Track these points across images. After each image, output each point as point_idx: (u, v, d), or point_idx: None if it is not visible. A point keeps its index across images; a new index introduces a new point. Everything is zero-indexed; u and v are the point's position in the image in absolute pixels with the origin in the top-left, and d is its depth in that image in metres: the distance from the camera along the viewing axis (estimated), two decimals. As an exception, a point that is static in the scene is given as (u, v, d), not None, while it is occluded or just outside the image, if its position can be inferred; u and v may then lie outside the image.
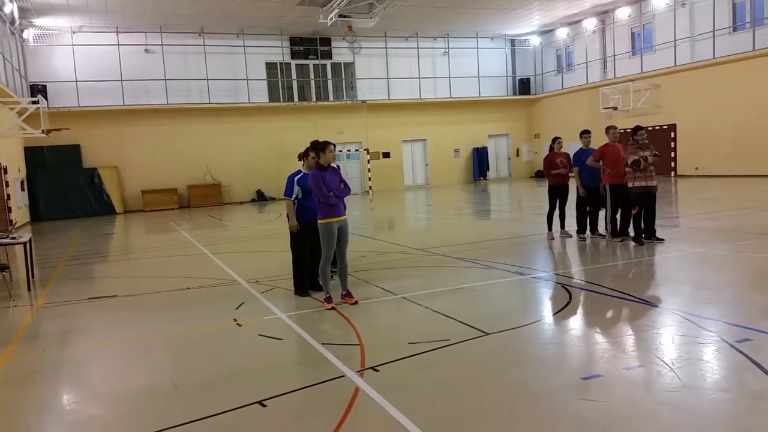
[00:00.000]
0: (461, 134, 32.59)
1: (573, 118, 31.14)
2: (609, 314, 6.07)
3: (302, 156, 7.47)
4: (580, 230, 10.82)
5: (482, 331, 5.51)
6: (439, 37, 31.54)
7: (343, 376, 4.61)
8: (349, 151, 29.02)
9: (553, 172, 10.80)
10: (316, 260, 7.92)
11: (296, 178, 7.22)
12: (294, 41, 28.91)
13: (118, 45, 25.62)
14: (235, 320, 6.57)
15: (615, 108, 28.39)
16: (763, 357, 4.45)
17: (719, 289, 6.87)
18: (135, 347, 5.94)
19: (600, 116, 28.55)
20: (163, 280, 9.25)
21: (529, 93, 34.37)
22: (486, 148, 33.23)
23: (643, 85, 27.15)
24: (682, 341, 4.99)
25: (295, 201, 7.28)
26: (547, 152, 11.53)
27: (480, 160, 32.78)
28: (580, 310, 6.21)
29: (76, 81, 25.04)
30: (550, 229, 11.04)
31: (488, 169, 33.15)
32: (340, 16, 23.97)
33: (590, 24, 30.07)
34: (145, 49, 26.14)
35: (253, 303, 7.33)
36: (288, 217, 7.41)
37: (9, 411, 4.46)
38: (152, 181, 26.23)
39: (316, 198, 6.62)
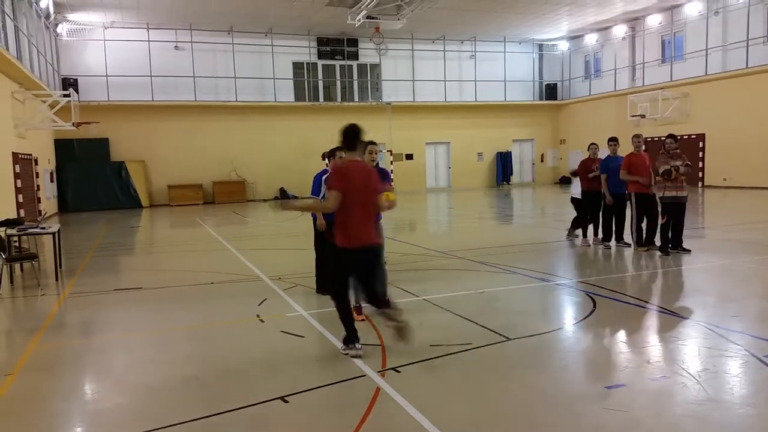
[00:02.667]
0: (485, 138, 32.45)
1: (600, 124, 30.82)
2: (633, 324, 5.99)
3: (328, 155, 7.50)
4: (606, 238, 10.71)
5: (504, 336, 5.49)
6: (466, 41, 31.46)
7: (365, 375, 4.63)
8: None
9: (590, 176, 10.74)
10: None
11: (324, 178, 7.25)
12: (321, 41, 29.06)
13: (149, 41, 26.00)
14: (257, 316, 6.63)
15: (643, 116, 28.05)
16: (792, 373, 4.38)
17: (745, 302, 6.75)
18: (159, 339, 6.03)
19: (628, 124, 28.23)
20: (187, 274, 9.36)
21: (555, 98, 34.10)
22: (510, 152, 33.03)
23: (672, 94, 26.77)
24: (707, 354, 4.91)
25: (322, 200, 7.31)
26: (580, 158, 11.51)
27: (504, 165, 32.59)
28: (604, 319, 6.14)
29: (107, 75, 25.45)
30: (585, 236, 10.97)
31: (512, 173, 32.93)
32: (368, 17, 24.03)
33: (620, 30, 29.72)
34: (175, 46, 26.49)
35: (276, 300, 7.38)
36: (314, 215, 7.43)
37: (35, 398, 4.55)
38: (178, 176, 26.56)
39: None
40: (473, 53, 31.93)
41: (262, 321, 6.44)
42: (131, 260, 12.08)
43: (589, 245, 10.86)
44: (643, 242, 10.13)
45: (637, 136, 10.36)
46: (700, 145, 25.75)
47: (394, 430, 3.81)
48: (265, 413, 4.06)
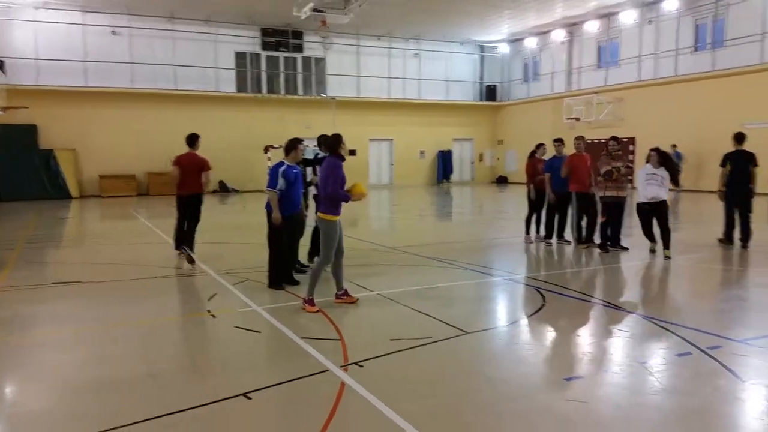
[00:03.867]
0: (427, 136, 32.78)
1: (537, 126, 31.70)
2: (582, 318, 6.20)
3: (288, 148, 7.38)
4: (548, 235, 11.03)
5: (462, 330, 5.56)
6: (410, 39, 31.66)
7: (327, 370, 4.58)
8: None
9: (537, 178, 11.00)
10: (293, 254, 7.88)
11: (281, 170, 7.13)
12: (266, 32, 28.55)
13: (83, 24, 24.82)
14: (208, 311, 6.45)
15: (578, 119, 29.05)
16: (735, 363, 4.63)
17: (682, 297, 7.11)
18: (105, 335, 5.76)
19: (563, 126, 29.15)
20: (128, 268, 9.00)
21: (495, 99, 34.84)
22: (451, 151, 33.53)
23: (607, 98, 27.84)
24: (655, 346, 5.14)
25: (278, 193, 7.18)
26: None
27: (444, 163, 33.05)
28: (554, 313, 6.31)
29: (37, 59, 24.14)
30: (528, 233, 11.23)
31: (452, 172, 33.44)
32: (314, 10, 23.78)
33: (558, 35, 30.64)
34: (112, 31, 25.38)
35: (226, 294, 7.20)
36: (268, 208, 7.29)
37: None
38: (111, 166, 25.48)
39: (326, 190, 6.25)
40: (417, 51, 32.18)
41: (214, 316, 6.27)
42: (66, 253, 11.51)
43: (532, 242, 11.15)
44: (583, 240, 10.50)
45: (578, 138, 10.75)
46: (631, 148, 26.90)
47: (361, 424, 3.80)
48: (228, 411, 3.94)
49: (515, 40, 33.37)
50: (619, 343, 5.36)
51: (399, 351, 5.02)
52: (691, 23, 24.72)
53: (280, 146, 28.07)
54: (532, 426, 3.70)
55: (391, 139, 32.22)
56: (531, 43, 32.48)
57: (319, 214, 6.39)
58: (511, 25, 30.08)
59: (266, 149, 26.20)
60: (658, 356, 4.87)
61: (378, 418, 3.78)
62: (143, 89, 25.92)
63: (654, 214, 9.42)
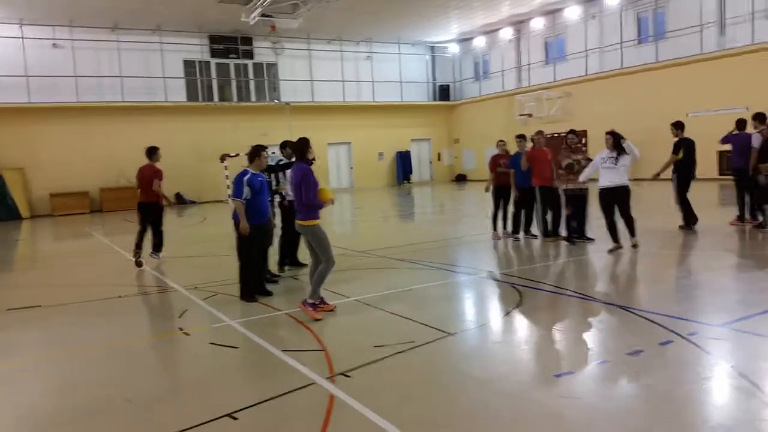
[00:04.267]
0: (385, 138, 32.81)
1: (490, 124, 32.14)
2: (562, 312, 6.22)
3: (252, 155, 7.20)
4: (515, 230, 11.11)
5: (444, 332, 5.50)
6: (361, 41, 31.62)
7: (314, 383, 4.44)
8: (273, 153, 28.43)
9: (498, 170, 11.05)
10: (263, 264, 7.69)
11: (245, 178, 6.94)
12: (214, 39, 28.06)
13: (22, 38, 23.86)
14: (180, 329, 6.22)
15: (530, 115, 29.54)
16: (717, 348, 4.71)
17: (654, 285, 7.23)
18: (72, 360, 5.44)
19: (516, 123, 29.59)
20: (89, 289, 8.64)
21: (448, 99, 35.13)
22: (409, 152, 33.64)
23: (556, 93, 28.38)
24: (637, 336, 5.18)
25: (244, 202, 6.99)
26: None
27: (404, 164, 33.14)
28: (533, 309, 6.31)
29: (-27, 75, 23.11)
30: (495, 229, 11.27)
31: (411, 172, 33.56)
32: (263, 15, 23.49)
33: (506, 33, 31.11)
34: (53, 44, 24.50)
35: (197, 310, 6.97)
36: (236, 218, 7.10)
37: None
38: (62, 183, 24.59)
39: (302, 197, 6.09)
40: (369, 54, 32.16)
41: (187, 334, 6.04)
42: (21, 276, 10.98)
43: (500, 238, 11.21)
44: (549, 233, 10.62)
45: (538, 133, 10.92)
46: (583, 141, 27.46)
47: (357, 437, 3.68)
48: (215, 432, 3.78)
49: (465, 40, 33.72)
50: (601, 335, 5.39)
51: (385, 358, 4.92)
52: (633, 17, 25.45)
53: (237, 155, 27.70)
54: (529, 425, 3.66)
55: (349, 143, 32.11)
56: (480, 42, 32.88)
57: (299, 222, 6.22)
58: (460, 24, 30.39)
59: (223, 158, 25.75)
60: (642, 346, 4.91)
61: (370, 427, 3.67)
62: (90, 103, 25.11)
63: (614, 201, 9.29)
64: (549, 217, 10.67)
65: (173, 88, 27.25)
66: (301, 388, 4.38)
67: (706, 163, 21.15)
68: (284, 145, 9.30)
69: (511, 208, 11.19)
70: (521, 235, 11.07)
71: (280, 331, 5.97)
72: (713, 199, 17.06)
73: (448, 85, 35.15)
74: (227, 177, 24.27)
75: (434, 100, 35.02)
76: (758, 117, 10.63)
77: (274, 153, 9.37)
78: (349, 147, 32.24)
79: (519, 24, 30.41)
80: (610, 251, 9.15)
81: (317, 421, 3.80)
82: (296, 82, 30.08)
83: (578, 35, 27.53)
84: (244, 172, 7.08)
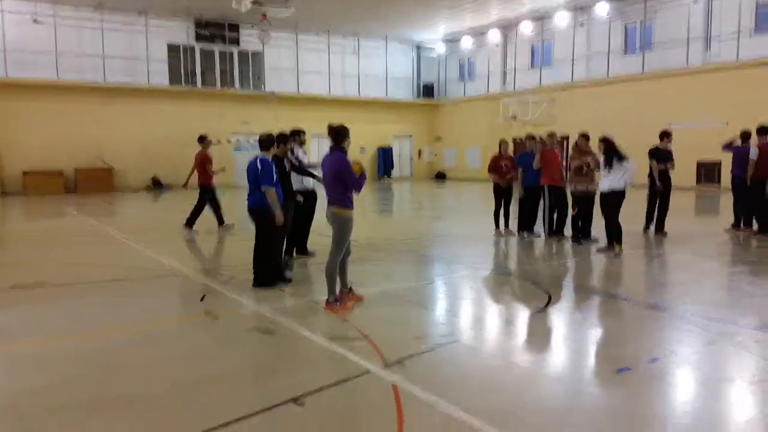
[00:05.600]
0: (367, 133, 32.60)
1: (473, 124, 32.35)
2: (597, 310, 6.22)
3: (268, 144, 7.01)
4: (520, 229, 11.13)
5: (481, 325, 5.45)
6: (349, 36, 31.41)
7: (369, 372, 4.34)
8: (249, 142, 28.06)
9: (508, 176, 11.07)
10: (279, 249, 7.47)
11: (272, 165, 6.78)
12: (200, 24, 27.49)
13: (1, 11, 22.96)
14: (208, 313, 6.03)
15: (515, 117, 29.76)
16: (763, 349, 4.78)
17: (682, 285, 7.28)
18: (102, 344, 5.17)
19: (499, 125, 29.81)
20: (94, 269, 8.32)
21: (432, 97, 35.20)
22: (391, 147, 33.60)
23: (541, 98, 28.66)
24: (680, 334, 5.21)
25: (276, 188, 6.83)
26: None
27: (385, 159, 33.10)
28: (565, 307, 6.26)
29: (-53, 46, 22.17)
30: (498, 227, 11.29)
31: (392, 168, 33.57)
32: (255, 2, 23.12)
33: (494, 36, 31.28)
34: (34, 19, 23.63)
35: (217, 295, 6.77)
36: (256, 207, 6.91)
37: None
38: (36, 162, 23.77)
39: (344, 185, 5.89)
40: (356, 48, 31.98)
41: (215, 318, 5.86)
42: (16, 253, 10.45)
43: (503, 235, 11.23)
44: (554, 232, 10.70)
45: (551, 135, 10.99)
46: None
47: (436, 427, 3.57)
48: (284, 418, 3.64)
49: (451, 40, 33.80)
50: (640, 331, 5.37)
51: (433, 349, 4.84)
52: (621, 27, 25.87)
53: (219, 142, 27.02)
54: (600, 423, 3.64)
55: (331, 136, 31.83)
56: (467, 43, 32.98)
57: (336, 211, 5.95)
58: (448, 24, 30.45)
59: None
60: (687, 344, 4.94)
61: (446, 419, 3.59)
62: (69, 81, 24.32)
63: (604, 205, 9.33)
64: (555, 216, 10.75)
65: (156, 71, 26.61)
66: (357, 376, 4.27)
67: (686, 173, 21.71)
68: (297, 133, 9.13)
69: (512, 207, 11.26)
70: (525, 233, 11.11)
71: (313, 318, 5.82)
72: (698, 207, 17.47)
73: (432, 84, 35.22)
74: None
75: (418, 97, 35.04)
76: (762, 130, 10.91)
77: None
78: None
79: (507, 27, 30.60)
80: (599, 251, 9.33)
81: (387, 410, 3.69)
82: (282, 72, 29.71)
83: (566, 42, 27.84)
84: (265, 159, 6.89)
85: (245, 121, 27.74)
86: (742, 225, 11.24)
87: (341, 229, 5.98)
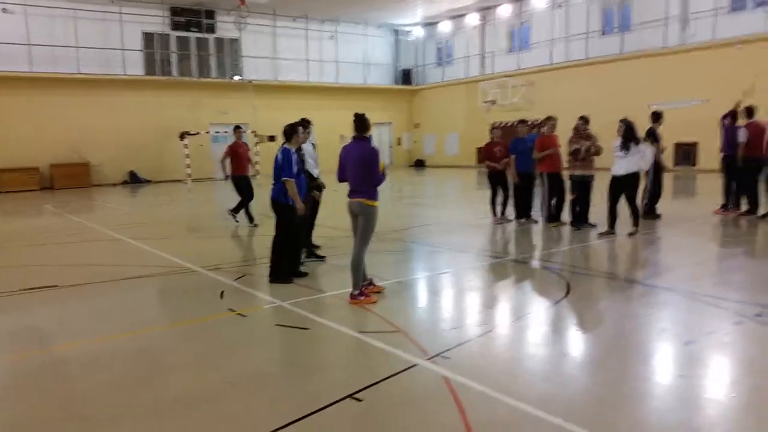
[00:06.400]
0: (346, 120, 32.12)
1: (452, 109, 32.40)
2: (615, 296, 6.31)
3: (290, 134, 6.96)
4: (518, 215, 11.23)
5: (512, 316, 5.50)
6: (327, 21, 31.09)
7: (416, 365, 4.35)
8: (226, 132, 27.64)
9: (501, 161, 11.14)
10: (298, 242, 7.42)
11: (294, 157, 6.71)
12: (175, 11, 26.92)
13: (-32, 0, 22.22)
14: (231, 310, 5.97)
15: (494, 102, 29.86)
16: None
17: (693, 267, 7.42)
18: (142, 342, 5.06)
19: (478, 109, 29.92)
20: (100, 268, 8.15)
21: (410, 83, 35.10)
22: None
23: (520, 81, 28.79)
24: (706, 318, 5.34)
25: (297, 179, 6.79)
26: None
27: (365, 147, 32.92)
28: (587, 294, 6.27)
29: None
30: (494, 214, 11.37)
31: (373, 156, 33.42)
32: (233, -12, 22.74)
33: (472, 19, 31.27)
34: (3, 9, 22.86)
35: (235, 291, 6.71)
36: (279, 199, 6.86)
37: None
38: (9, 158, 23.13)
39: (371, 177, 5.89)
40: (333, 34, 31.67)
41: (242, 315, 5.81)
42: (9, 255, 10.13)
43: (500, 222, 11.32)
44: (552, 218, 10.81)
45: (549, 118, 11.06)
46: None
47: (501, 420, 3.58)
48: (344, 415, 3.64)
49: (429, 24, 33.69)
50: (674, 316, 5.45)
51: (470, 340, 4.88)
52: (599, 8, 26.06)
53: (198, 133, 26.71)
54: (631, 403, 3.72)
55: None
56: (445, 27, 32.92)
57: (365, 202, 5.92)
58: (426, 8, 30.31)
59: (182, 136, 24.84)
60: (714, 326, 5.06)
61: (507, 409, 3.63)
62: (42, 73, 23.65)
63: (621, 189, 9.46)
64: (553, 202, 10.86)
65: (131, 61, 26.04)
66: (405, 369, 4.28)
67: (666, 153, 22.09)
68: (305, 123, 9.00)
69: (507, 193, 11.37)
70: (523, 220, 11.21)
71: (341, 312, 5.79)
72: (680, 189, 17.82)
73: (410, 69, 35.10)
74: (187, 156, 23.40)
75: (396, 83, 34.91)
76: (750, 111, 11.16)
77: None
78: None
79: (485, 10, 30.58)
80: (601, 235, 9.45)
81: (446, 403, 3.71)
82: (259, 59, 29.30)
83: (544, 24, 27.97)
84: (288, 150, 6.83)
85: (223, 110, 27.36)
86: (730, 205, 11.48)
87: (369, 221, 5.94)
